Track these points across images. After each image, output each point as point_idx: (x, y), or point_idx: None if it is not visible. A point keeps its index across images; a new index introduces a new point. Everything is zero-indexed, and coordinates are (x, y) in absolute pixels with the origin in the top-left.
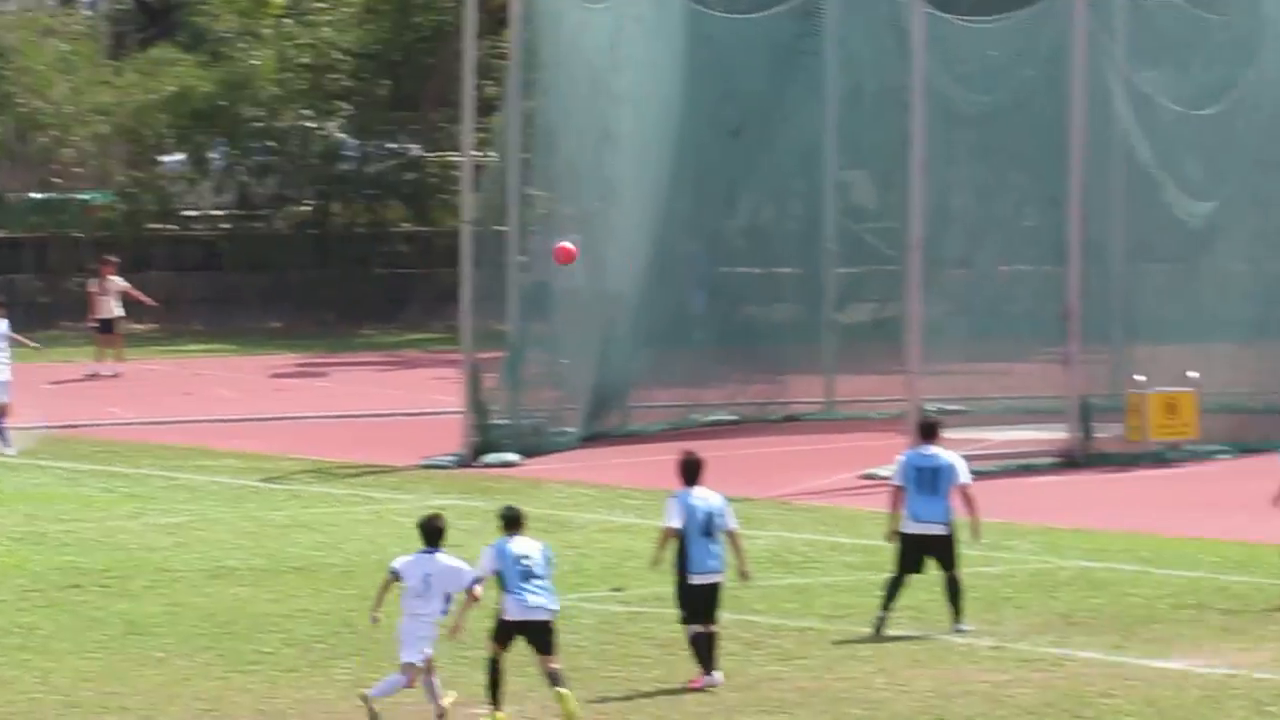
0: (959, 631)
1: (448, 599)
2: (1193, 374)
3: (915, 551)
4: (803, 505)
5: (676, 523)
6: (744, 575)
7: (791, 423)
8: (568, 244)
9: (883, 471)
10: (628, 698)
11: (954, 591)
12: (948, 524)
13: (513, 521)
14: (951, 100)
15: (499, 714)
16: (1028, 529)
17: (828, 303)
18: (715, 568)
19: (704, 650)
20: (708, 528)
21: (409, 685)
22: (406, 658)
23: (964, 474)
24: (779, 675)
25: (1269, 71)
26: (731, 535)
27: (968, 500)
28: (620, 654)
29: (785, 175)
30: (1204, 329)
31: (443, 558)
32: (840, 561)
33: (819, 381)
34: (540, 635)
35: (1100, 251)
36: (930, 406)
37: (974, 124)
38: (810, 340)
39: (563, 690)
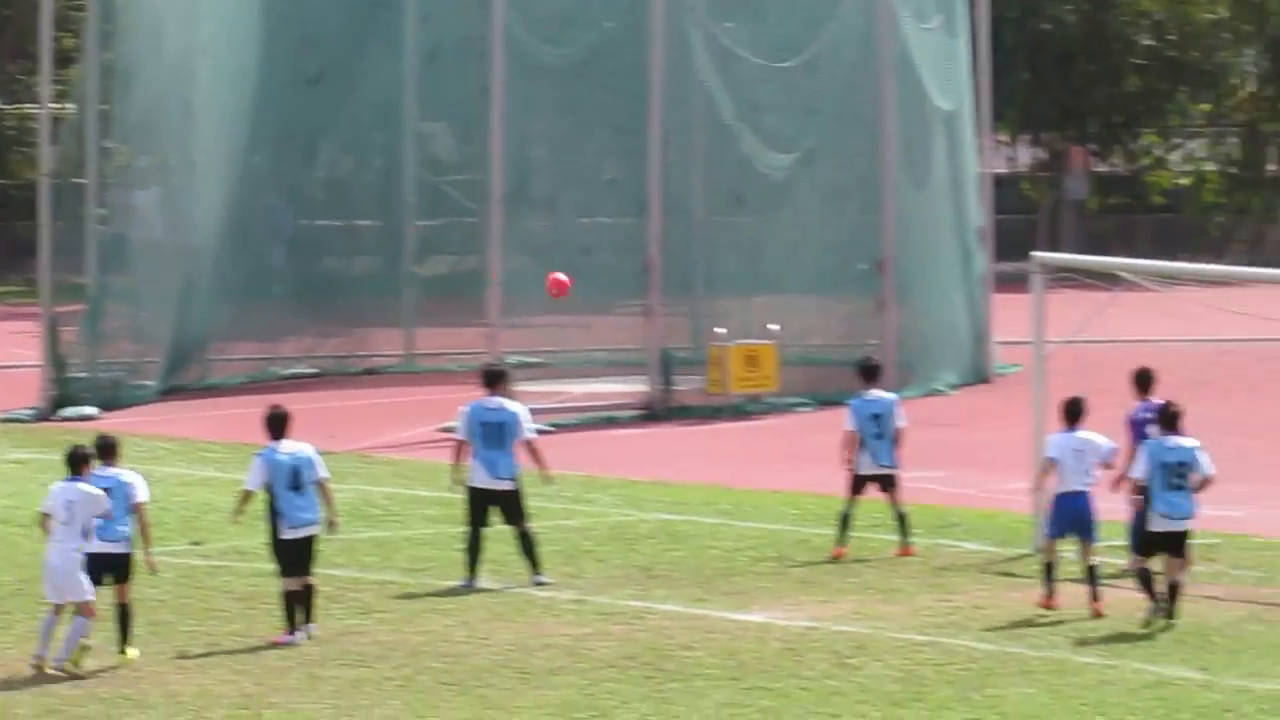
0: (538, 584)
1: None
2: (773, 327)
3: (483, 505)
4: (383, 459)
5: (254, 486)
6: (332, 525)
7: (371, 376)
8: (560, 275)
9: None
10: (208, 653)
11: (527, 545)
12: (514, 478)
13: (90, 456)
14: (531, 52)
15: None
16: (608, 482)
17: (407, 255)
18: (307, 520)
19: (300, 604)
20: (295, 481)
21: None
22: (80, 596)
23: (528, 427)
24: (359, 629)
25: (848, 25)
26: (321, 485)
27: (533, 453)
28: (200, 608)
29: (365, 128)
30: (784, 282)
31: (85, 486)
32: (420, 515)
33: (399, 334)
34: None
35: (681, 204)
36: (511, 359)
37: (554, 76)
38: (390, 293)
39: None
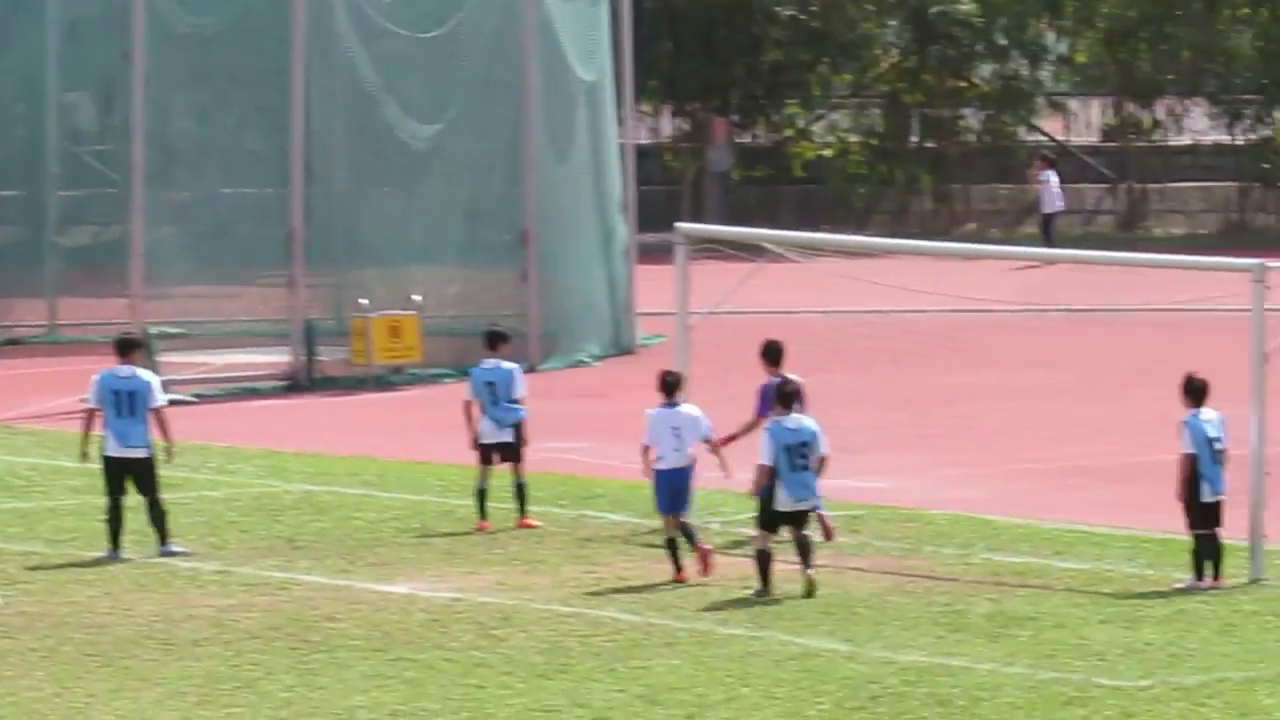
0: (168, 554)
1: None
2: (416, 297)
3: (118, 474)
4: (26, 429)
5: None
6: None
7: (13, 346)
8: None
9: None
10: None
11: (156, 515)
12: (146, 446)
13: None
14: (173, 21)
15: None
16: (252, 452)
17: (50, 225)
18: None
19: None
20: None
21: None
22: None
23: (158, 396)
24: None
25: None
26: None
27: (161, 423)
28: None
29: (7, 98)
30: (428, 252)
31: None
32: (64, 485)
33: (42, 305)
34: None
35: (324, 174)
36: (154, 330)
37: (196, 45)
38: (32, 263)
39: None
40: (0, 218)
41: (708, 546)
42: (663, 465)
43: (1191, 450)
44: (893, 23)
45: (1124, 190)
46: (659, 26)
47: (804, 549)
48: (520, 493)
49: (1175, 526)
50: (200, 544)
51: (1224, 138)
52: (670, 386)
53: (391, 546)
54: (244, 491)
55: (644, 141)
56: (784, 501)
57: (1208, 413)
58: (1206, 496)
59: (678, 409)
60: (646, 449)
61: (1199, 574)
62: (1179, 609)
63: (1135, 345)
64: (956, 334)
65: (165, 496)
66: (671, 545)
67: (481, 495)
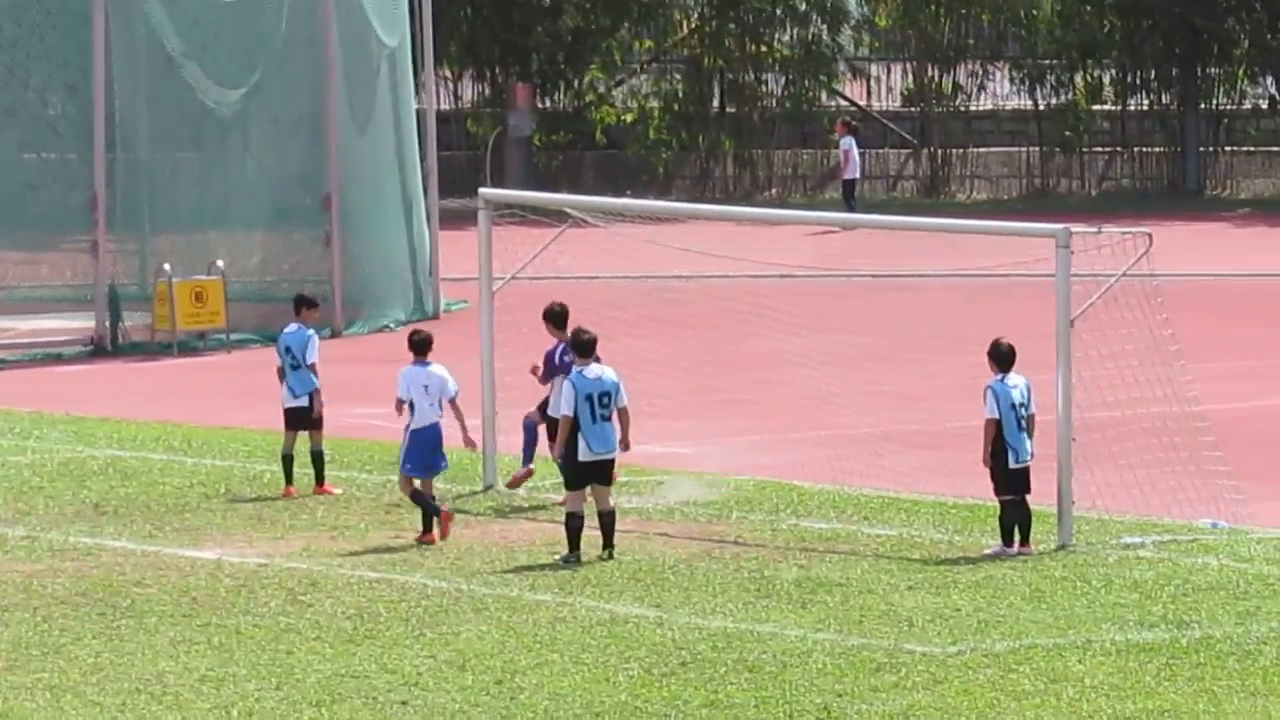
0: None
1: None
2: (219, 262)
3: None
4: None
5: None
6: None
7: None
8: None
9: None
10: None
11: None
12: None
13: None
14: None
15: None
16: (57, 418)
17: None
18: None
19: None
20: None
21: None
22: None
23: None
24: None
25: None
26: None
27: None
28: None
29: None
30: (232, 217)
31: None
32: None
33: None
34: None
35: (127, 139)
36: None
37: None
38: None
39: None
40: None
41: (433, 536)
42: (414, 424)
43: (995, 416)
44: None
45: (926, 155)
46: None
47: (607, 527)
48: (316, 460)
49: (983, 493)
50: (7, 510)
51: (1026, 103)
52: (420, 345)
53: (198, 512)
54: (50, 457)
55: (445, 107)
56: (586, 452)
57: (1014, 378)
58: (1013, 463)
59: (429, 368)
60: (400, 404)
61: (1008, 540)
62: (987, 575)
63: (941, 311)
64: (760, 300)
65: None
66: (420, 501)
67: (287, 460)
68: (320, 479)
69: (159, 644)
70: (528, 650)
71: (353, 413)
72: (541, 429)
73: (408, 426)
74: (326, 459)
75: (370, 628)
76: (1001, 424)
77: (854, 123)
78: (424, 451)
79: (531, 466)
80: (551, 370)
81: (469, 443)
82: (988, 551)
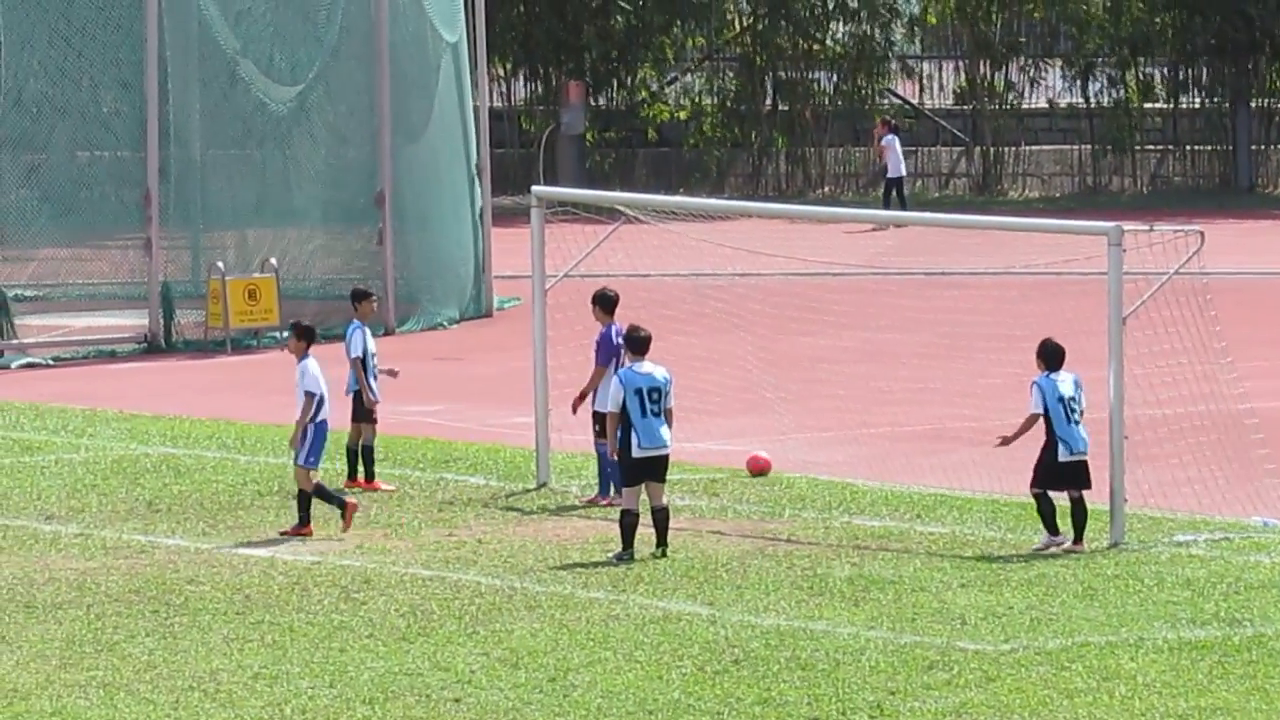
0: None
1: None
2: (273, 260)
3: None
4: None
5: None
6: None
7: None
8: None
9: None
10: None
11: None
12: None
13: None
14: None
15: None
16: (110, 415)
17: None
18: None
19: None
20: None
21: None
22: None
23: None
24: None
25: None
26: None
27: None
28: None
29: None
30: (285, 214)
31: None
32: None
33: None
34: None
35: (181, 136)
36: (11, 292)
37: (50, 6)
38: None
39: None
40: None
41: (353, 501)
42: (320, 417)
43: (1039, 410)
44: None
45: (978, 153)
46: None
47: (661, 525)
48: (365, 455)
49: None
50: (61, 507)
51: (1078, 101)
52: (308, 334)
53: (251, 510)
54: (103, 455)
55: (498, 104)
56: (637, 449)
57: (1063, 375)
58: (1064, 455)
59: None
60: (311, 398)
61: (1053, 528)
62: (1040, 573)
63: (992, 309)
64: (811, 297)
65: (26, 460)
66: (312, 496)
67: (351, 455)
68: (370, 475)
69: (212, 641)
70: (580, 648)
71: (405, 410)
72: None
73: (312, 420)
74: (378, 456)
75: (423, 625)
76: (1050, 417)
77: (893, 120)
78: (326, 445)
79: (599, 497)
80: (609, 352)
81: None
82: (1037, 546)
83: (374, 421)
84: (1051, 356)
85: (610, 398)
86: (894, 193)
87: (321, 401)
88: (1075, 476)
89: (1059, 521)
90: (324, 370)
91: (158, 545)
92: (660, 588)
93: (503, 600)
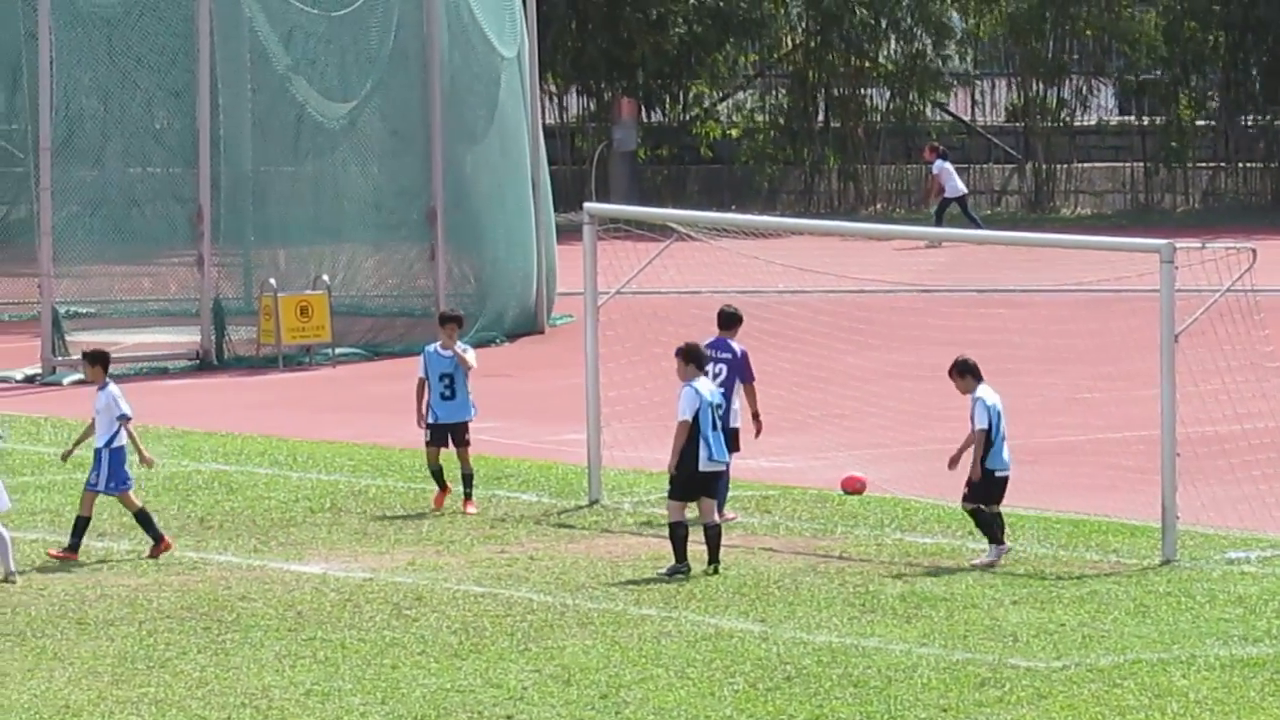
0: None
1: None
2: (325, 277)
3: None
4: None
5: None
6: None
7: None
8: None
9: (16, 375)
10: None
11: None
12: None
13: None
14: (79, 1)
15: None
16: (162, 432)
17: None
18: None
19: None
20: None
21: None
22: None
23: None
24: None
25: None
26: None
27: None
28: None
29: None
30: (338, 231)
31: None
32: None
33: None
34: None
35: (233, 152)
36: (64, 309)
37: (102, 24)
38: None
39: None
40: None
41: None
42: (118, 442)
43: (985, 426)
44: (796, 3)
45: (1030, 170)
46: (562, 5)
47: (713, 541)
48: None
49: (1085, 506)
50: (112, 524)
51: (1130, 118)
52: (103, 360)
53: (304, 526)
54: (156, 471)
55: (550, 121)
56: (706, 461)
57: (991, 392)
58: (1000, 472)
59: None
60: (127, 420)
61: (1001, 540)
62: (1091, 590)
63: (1044, 327)
64: (863, 314)
65: (78, 477)
66: (147, 515)
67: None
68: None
69: (264, 658)
70: (632, 665)
71: None
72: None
73: (108, 444)
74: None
75: (475, 642)
76: (991, 434)
77: (939, 145)
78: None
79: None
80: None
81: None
82: (987, 559)
83: (459, 445)
84: (974, 371)
85: (684, 407)
86: (961, 209)
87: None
88: (1003, 490)
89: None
90: (391, 385)
91: (209, 562)
92: (712, 604)
93: (555, 617)
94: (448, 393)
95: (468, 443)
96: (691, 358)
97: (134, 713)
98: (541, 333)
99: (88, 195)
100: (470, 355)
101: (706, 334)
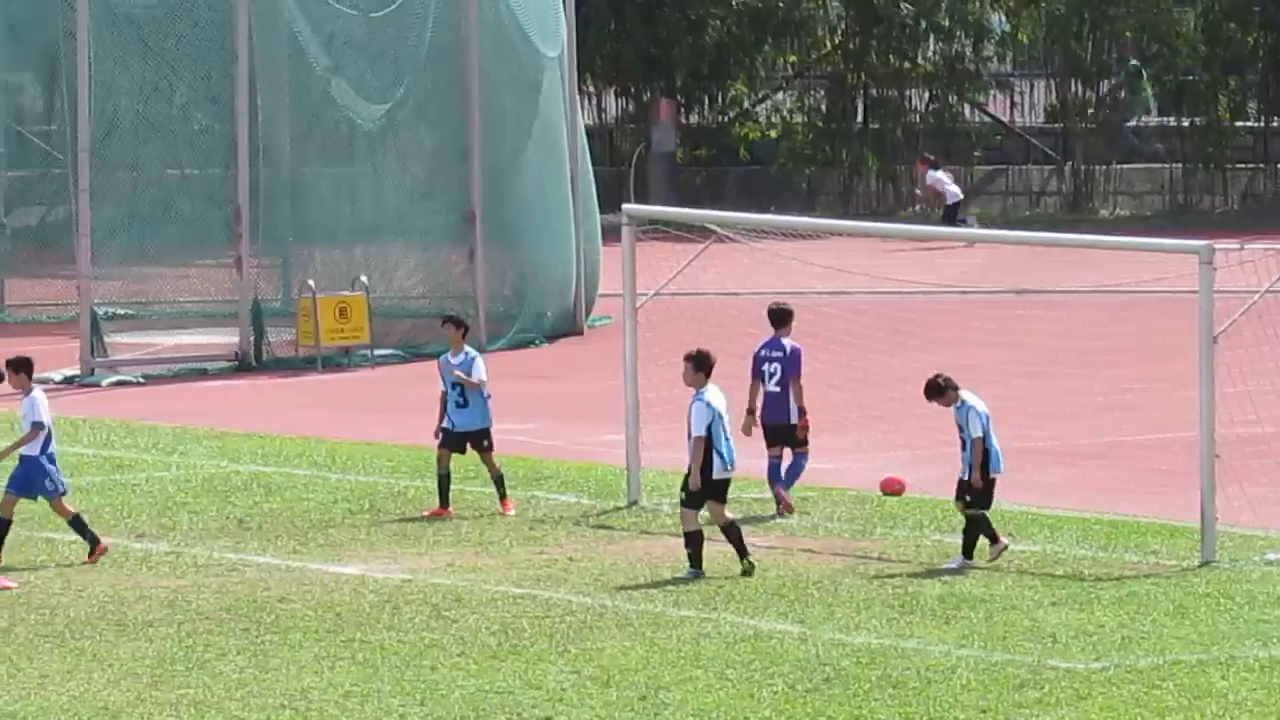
0: None
1: None
2: (364, 278)
3: None
4: None
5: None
6: None
7: None
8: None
9: (55, 376)
10: None
11: None
12: None
13: None
14: (117, 2)
15: None
16: (201, 433)
17: None
18: None
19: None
20: None
21: None
22: None
23: None
24: None
25: None
26: None
27: None
28: None
29: None
30: (376, 232)
31: None
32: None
33: None
34: None
35: (271, 154)
36: (102, 310)
37: (140, 24)
38: None
39: None
40: None
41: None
42: (52, 447)
43: (980, 434)
44: (835, 3)
45: (1069, 171)
46: (601, 6)
47: (736, 539)
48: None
49: (1125, 508)
50: (151, 525)
51: (1168, 119)
52: (26, 367)
53: (342, 528)
54: (194, 473)
55: (588, 123)
56: (721, 470)
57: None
58: (994, 473)
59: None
60: (37, 429)
61: (970, 553)
62: (1130, 591)
63: (1082, 328)
64: (901, 316)
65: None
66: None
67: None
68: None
69: (303, 660)
70: (671, 666)
71: (496, 429)
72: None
73: (44, 452)
74: (469, 475)
75: (514, 643)
76: (986, 441)
77: (930, 158)
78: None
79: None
80: (796, 367)
81: None
82: (990, 558)
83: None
84: (952, 382)
85: (698, 421)
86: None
87: (50, 434)
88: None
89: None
90: (430, 387)
91: (248, 563)
92: (751, 606)
93: (593, 618)
94: (461, 401)
95: (488, 448)
96: (701, 365)
97: (173, 714)
98: (580, 334)
99: (126, 197)
100: (478, 369)
101: (744, 335)
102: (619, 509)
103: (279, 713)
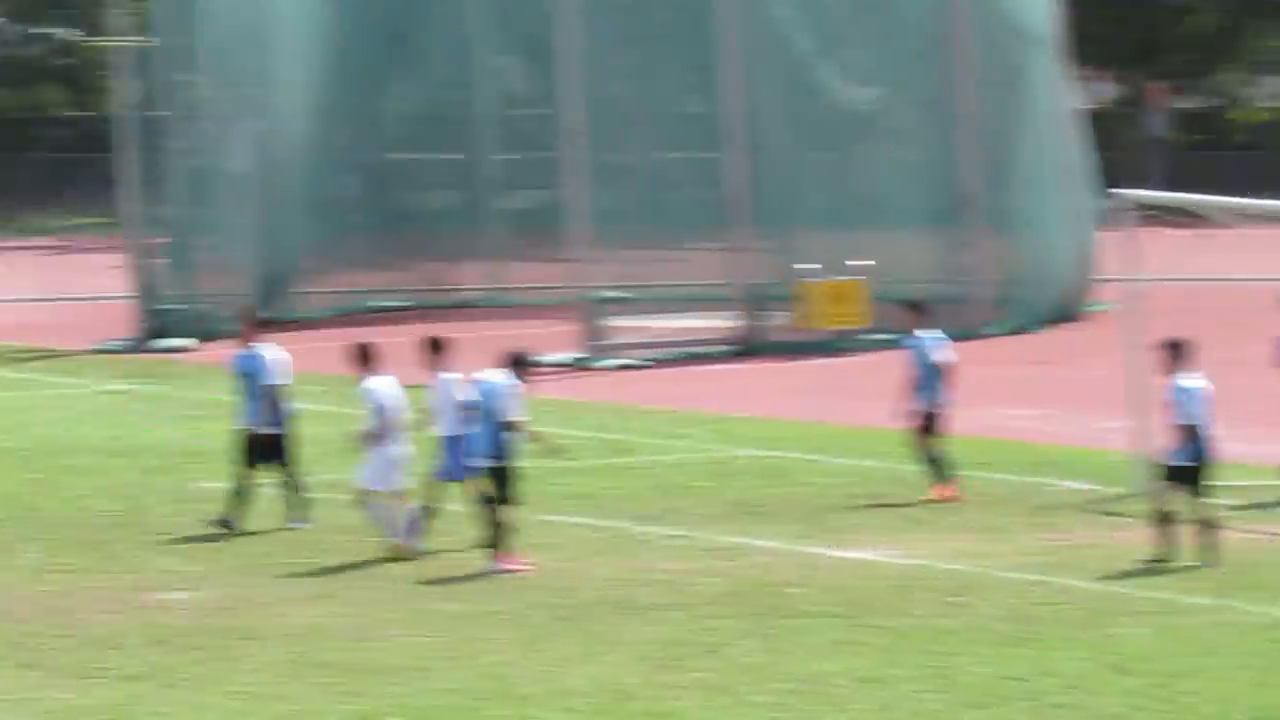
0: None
1: None
2: (861, 262)
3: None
4: None
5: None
6: None
7: (460, 309)
8: None
9: (546, 359)
10: (315, 587)
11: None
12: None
13: None
14: None
15: None
16: (701, 417)
17: (486, 189)
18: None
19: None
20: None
21: None
22: None
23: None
24: (464, 563)
25: None
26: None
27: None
28: (305, 540)
29: (436, 62)
30: (871, 215)
31: None
32: None
33: (482, 267)
34: None
35: (763, 137)
36: (601, 294)
37: (628, 9)
38: (473, 226)
39: None
40: (439, 181)
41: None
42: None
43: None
44: None
45: None
46: None
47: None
48: (935, 463)
49: None
50: (653, 508)
51: None
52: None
53: (841, 512)
54: (695, 456)
55: (1081, 107)
56: (1184, 457)
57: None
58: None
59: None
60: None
61: None
62: None
63: None
64: None
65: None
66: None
67: (934, 461)
68: (940, 480)
69: (815, 644)
70: (1185, 655)
71: (997, 413)
72: None
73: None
74: (961, 459)
75: (1027, 630)
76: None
77: None
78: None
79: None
80: None
81: None
82: None
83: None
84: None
85: (1188, 410)
86: None
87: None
88: None
89: None
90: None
91: (752, 547)
92: (1263, 594)
93: (1103, 604)
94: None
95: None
96: (1178, 354)
97: (683, 696)
98: (1076, 319)
99: (618, 180)
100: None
101: (1235, 323)
102: (1125, 496)
103: (789, 696)
